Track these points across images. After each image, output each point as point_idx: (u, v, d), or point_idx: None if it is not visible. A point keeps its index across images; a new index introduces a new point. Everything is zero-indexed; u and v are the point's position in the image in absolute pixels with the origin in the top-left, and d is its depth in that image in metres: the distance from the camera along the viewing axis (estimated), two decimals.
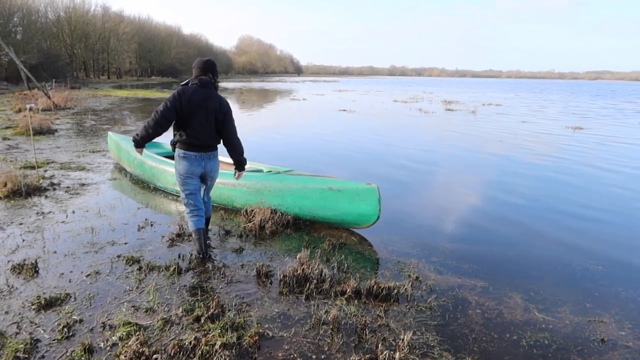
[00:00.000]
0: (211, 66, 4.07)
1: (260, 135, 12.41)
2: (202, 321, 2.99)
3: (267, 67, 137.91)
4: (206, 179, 4.21)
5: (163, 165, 6.11)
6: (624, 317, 3.31)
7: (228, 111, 4.08)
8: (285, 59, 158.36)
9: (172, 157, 6.26)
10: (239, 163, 4.31)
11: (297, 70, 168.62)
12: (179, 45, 77.40)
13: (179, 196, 5.90)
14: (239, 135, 4.20)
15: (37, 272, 3.67)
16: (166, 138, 5.38)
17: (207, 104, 3.92)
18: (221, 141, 4.16)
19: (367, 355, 2.71)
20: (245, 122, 16.13)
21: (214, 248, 4.32)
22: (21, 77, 23.43)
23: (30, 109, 7.49)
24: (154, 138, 4.02)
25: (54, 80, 26.46)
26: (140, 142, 4.02)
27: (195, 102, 3.87)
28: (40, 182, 6.26)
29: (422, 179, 7.69)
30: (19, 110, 15.60)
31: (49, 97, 18.47)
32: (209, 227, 4.60)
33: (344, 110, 21.21)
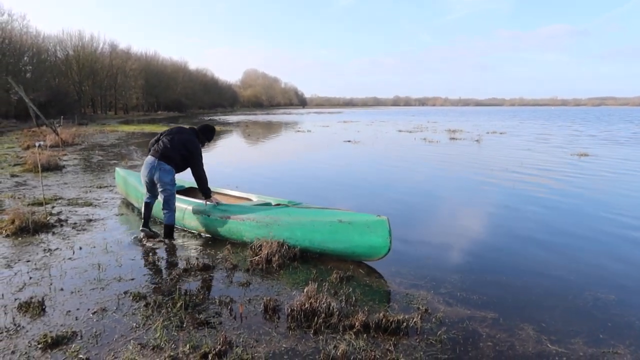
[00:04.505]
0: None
1: (267, 168, 12.48)
2: (210, 358, 2.95)
3: (272, 99, 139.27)
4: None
5: None
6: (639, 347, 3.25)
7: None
8: (289, 91, 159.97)
9: (180, 192, 6.31)
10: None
11: (302, 102, 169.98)
12: (185, 81, 78.65)
13: (186, 231, 5.93)
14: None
15: (43, 310, 3.65)
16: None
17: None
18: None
19: None
20: (251, 154, 16.24)
21: (220, 282, 4.31)
22: (30, 114, 23.83)
23: (39, 147, 7.59)
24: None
25: (61, 117, 26.90)
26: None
27: None
28: (48, 218, 6.29)
29: (429, 209, 7.67)
30: (28, 147, 15.82)
31: (57, 134, 18.73)
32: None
33: (349, 141, 21.33)
